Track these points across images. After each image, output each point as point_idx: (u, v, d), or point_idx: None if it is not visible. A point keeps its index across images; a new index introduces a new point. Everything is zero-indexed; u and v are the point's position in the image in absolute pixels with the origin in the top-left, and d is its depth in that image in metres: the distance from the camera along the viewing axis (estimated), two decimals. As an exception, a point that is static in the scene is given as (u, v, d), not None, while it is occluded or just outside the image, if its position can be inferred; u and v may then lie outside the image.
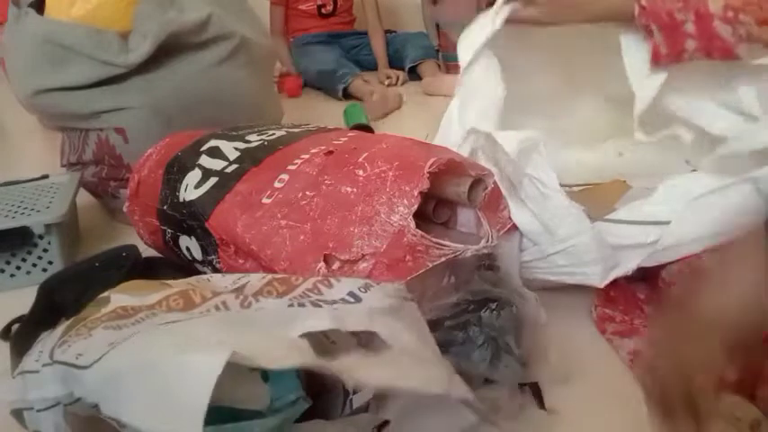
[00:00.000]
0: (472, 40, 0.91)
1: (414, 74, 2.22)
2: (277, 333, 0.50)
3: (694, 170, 0.84)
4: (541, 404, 0.61)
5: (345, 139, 0.82)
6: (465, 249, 0.69)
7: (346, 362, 0.48)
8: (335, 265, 0.68)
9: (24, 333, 0.74)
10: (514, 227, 0.77)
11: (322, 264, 0.67)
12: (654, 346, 0.51)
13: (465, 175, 0.74)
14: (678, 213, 0.75)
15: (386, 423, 0.55)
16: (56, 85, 1.05)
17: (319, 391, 0.58)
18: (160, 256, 0.92)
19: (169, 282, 0.63)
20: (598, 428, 0.64)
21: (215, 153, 0.85)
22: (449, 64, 2.20)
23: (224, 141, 0.87)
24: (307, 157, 0.78)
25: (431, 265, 0.67)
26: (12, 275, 0.94)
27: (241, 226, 0.73)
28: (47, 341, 0.56)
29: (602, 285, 0.75)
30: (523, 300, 0.66)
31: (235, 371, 0.49)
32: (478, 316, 0.62)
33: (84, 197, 1.15)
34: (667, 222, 0.75)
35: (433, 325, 0.62)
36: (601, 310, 0.78)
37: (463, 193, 0.73)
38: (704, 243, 0.73)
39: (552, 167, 0.75)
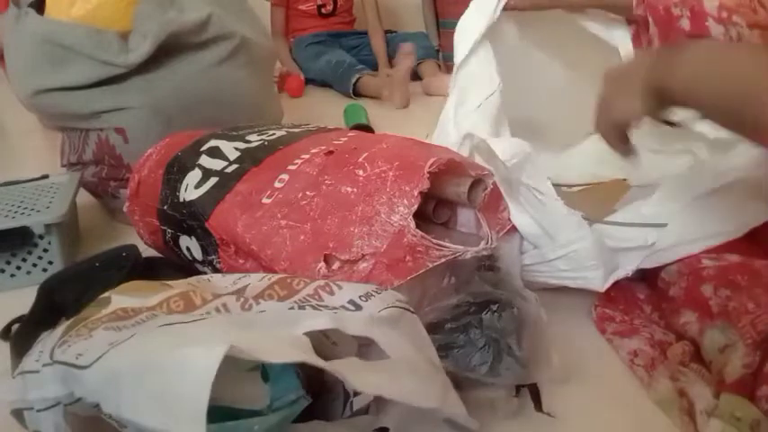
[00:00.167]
0: (470, 30, 0.91)
1: (414, 74, 2.22)
2: (277, 331, 0.50)
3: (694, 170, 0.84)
4: (539, 406, 0.61)
5: (345, 139, 0.82)
6: (465, 251, 0.69)
7: (345, 363, 0.48)
8: (335, 265, 0.68)
9: (24, 333, 0.74)
10: (514, 228, 0.77)
11: (322, 264, 0.67)
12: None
13: (465, 176, 0.74)
14: (677, 214, 0.75)
15: (385, 430, 0.55)
16: (56, 85, 1.05)
17: (320, 393, 0.58)
18: (160, 256, 0.92)
19: (170, 283, 0.63)
20: (598, 429, 0.64)
21: (215, 153, 0.85)
22: (449, 64, 2.20)
23: (224, 141, 0.87)
24: (307, 157, 0.78)
25: (431, 266, 0.67)
26: (12, 275, 0.94)
27: (241, 226, 0.73)
28: (47, 341, 0.56)
29: (603, 289, 0.75)
30: (524, 300, 0.66)
31: (234, 370, 0.49)
32: (479, 318, 0.62)
33: (85, 197, 1.15)
34: (666, 224, 0.75)
35: (434, 327, 0.62)
36: (601, 310, 0.78)
37: (463, 193, 0.73)
38: (703, 243, 0.73)
39: (551, 169, 0.76)
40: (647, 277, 0.80)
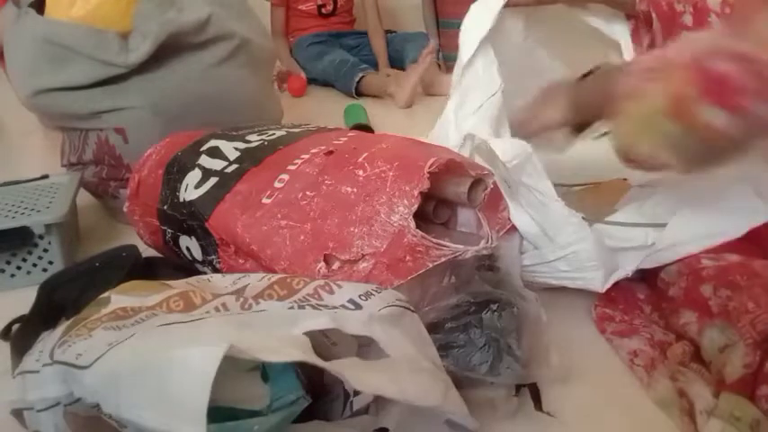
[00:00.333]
0: (474, 30, 0.91)
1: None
2: (277, 331, 0.50)
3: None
4: (539, 406, 0.61)
5: (345, 139, 0.82)
6: (465, 250, 0.69)
7: (345, 363, 0.48)
8: (335, 265, 0.68)
9: (24, 333, 0.74)
10: (514, 227, 0.77)
11: (322, 264, 0.67)
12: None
13: (465, 176, 0.74)
14: (677, 214, 0.75)
15: (385, 430, 0.55)
16: (56, 85, 1.05)
17: (320, 393, 0.58)
18: (160, 256, 0.92)
19: (169, 282, 0.63)
20: (597, 429, 0.64)
21: (215, 153, 0.85)
22: (449, 64, 2.20)
23: (224, 141, 0.87)
24: (307, 157, 0.78)
25: (431, 266, 0.67)
26: (12, 275, 0.94)
27: (241, 226, 0.73)
28: (47, 341, 0.56)
29: (603, 290, 0.75)
30: (524, 300, 0.66)
31: (234, 370, 0.49)
32: (479, 317, 0.62)
33: (85, 197, 1.15)
34: (665, 224, 0.75)
35: (434, 327, 0.62)
36: (601, 309, 0.78)
37: (463, 193, 0.73)
38: (703, 244, 0.73)
39: (551, 169, 0.75)
40: (646, 277, 0.80)
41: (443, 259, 0.68)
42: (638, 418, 0.64)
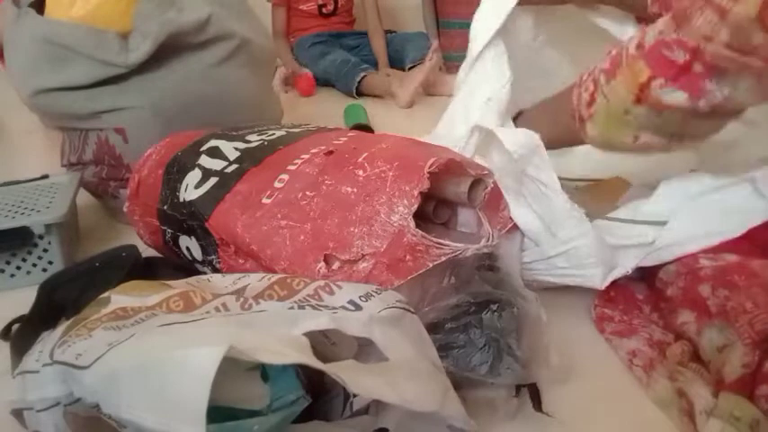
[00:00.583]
0: (485, 25, 0.90)
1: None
2: (277, 331, 0.50)
3: (694, 170, 0.84)
4: (539, 406, 0.61)
5: (345, 139, 0.82)
6: (465, 249, 0.69)
7: (344, 366, 0.48)
8: (335, 265, 0.68)
9: (24, 333, 0.74)
10: (515, 227, 0.77)
11: (322, 264, 0.68)
12: None
13: (465, 175, 0.74)
14: (677, 212, 0.75)
15: (385, 430, 0.55)
16: (56, 85, 1.05)
17: (320, 393, 0.58)
18: (160, 256, 0.92)
19: (169, 282, 0.63)
20: (597, 429, 0.64)
21: (215, 153, 0.85)
22: (449, 64, 2.20)
23: (224, 141, 0.87)
24: (307, 157, 0.78)
25: (431, 265, 0.67)
26: (12, 275, 0.94)
27: (241, 226, 0.73)
28: (47, 341, 0.56)
29: (602, 287, 0.75)
30: (524, 300, 0.66)
31: (234, 370, 0.49)
32: (479, 317, 0.62)
33: (85, 197, 1.15)
34: (665, 222, 0.75)
35: (434, 327, 0.62)
36: (600, 309, 0.78)
37: (463, 193, 0.73)
38: (702, 243, 0.73)
39: (553, 164, 0.75)
40: (645, 277, 0.80)
41: (443, 258, 0.68)
42: (637, 418, 0.64)
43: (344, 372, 0.47)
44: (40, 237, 0.93)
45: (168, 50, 1.06)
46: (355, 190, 0.70)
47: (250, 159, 0.81)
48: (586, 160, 1.09)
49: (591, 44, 1.01)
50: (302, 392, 0.54)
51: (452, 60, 2.17)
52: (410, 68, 2.17)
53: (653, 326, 0.75)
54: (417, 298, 0.65)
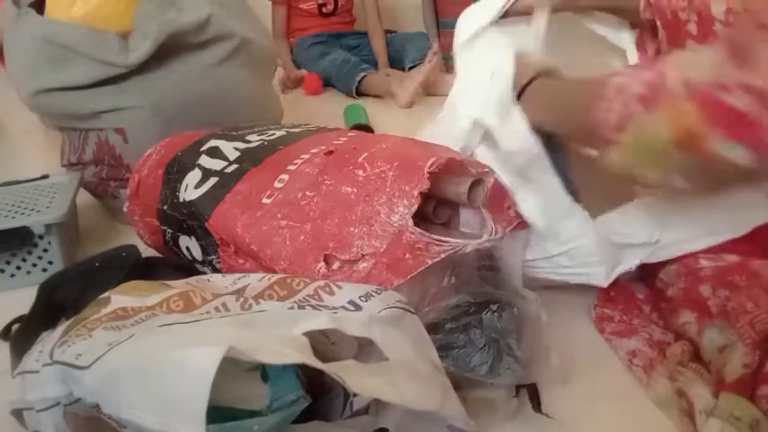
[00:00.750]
0: (473, 18, 0.90)
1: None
2: (277, 331, 0.50)
3: None
4: (538, 407, 0.61)
5: (345, 138, 0.82)
6: (465, 244, 0.69)
7: (343, 366, 0.48)
8: (335, 265, 0.68)
9: (24, 333, 0.74)
10: (520, 225, 0.77)
11: (322, 264, 0.68)
12: None
13: (465, 175, 0.74)
14: (681, 211, 0.74)
15: (385, 430, 0.55)
16: (56, 85, 1.05)
17: (320, 393, 0.58)
18: (160, 256, 0.92)
19: (169, 282, 0.63)
20: (597, 429, 0.64)
21: (215, 153, 0.85)
22: (449, 64, 2.20)
23: (224, 141, 0.87)
24: (307, 157, 0.78)
25: (430, 263, 0.67)
26: (12, 275, 0.94)
27: (241, 226, 0.73)
28: (47, 341, 0.56)
29: (605, 285, 0.75)
30: (524, 300, 0.66)
31: (234, 370, 0.49)
32: (479, 317, 0.62)
33: (85, 197, 1.15)
34: (668, 221, 0.74)
35: (434, 327, 0.62)
36: (600, 309, 0.78)
37: (463, 193, 0.73)
38: (706, 241, 0.73)
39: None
40: (645, 277, 0.80)
41: (443, 255, 0.67)
42: (637, 419, 0.64)
43: (344, 372, 0.47)
44: (40, 237, 0.93)
45: (168, 50, 1.06)
46: (355, 190, 0.70)
47: (250, 159, 0.81)
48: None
49: (587, 51, 1.01)
50: (302, 392, 0.54)
51: (452, 60, 2.17)
52: (410, 68, 2.17)
53: (653, 326, 0.75)
54: (417, 298, 0.65)
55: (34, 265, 0.95)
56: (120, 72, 1.04)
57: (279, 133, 0.88)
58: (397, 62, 2.29)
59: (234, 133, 0.90)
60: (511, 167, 0.77)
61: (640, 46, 0.91)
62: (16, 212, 0.94)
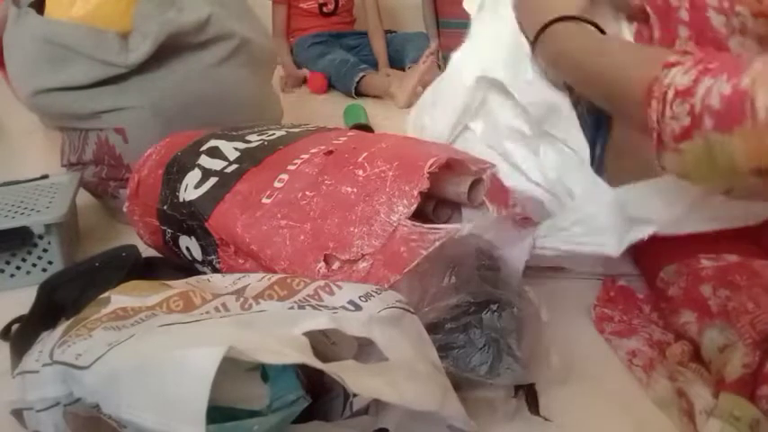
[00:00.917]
0: None
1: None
2: (277, 331, 0.50)
3: None
4: (536, 410, 0.61)
5: (345, 138, 0.82)
6: (461, 229, 0.68)
7: (343, 366, 0.48)
8: (335, 265, 0.68)
9: (24, 333, 0.74)
10: (523, 222, 0.77)
11: (322, 264, 0.68)
12: None
13: (465, 174, 0.74)
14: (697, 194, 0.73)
15: (385, 431, 0.55)
16: (56, 85, 1.05)
17: (320, 393, 0.58)
18: (160, 256, 0.92)
19: (169, 282, 0.63)
20: (596, 429, 0.64)
21: (215, 153, 0.85)
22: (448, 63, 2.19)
23: (224, 141, 0.87)
24: (306, 156, 0.78)
25: (425, 253, 0.66)
26: (12, 275, 0.94)
27: (241, 226, 0.73)
28: (47, 341, 0.56)
29: (617, 254, 0.73)
30: (524, 300, 0.66)
31: (234, 370, 0.49)
32: (479, 317, 0.62)
33: (85, 197, 1.15)
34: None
35: (434, 327, 0.62)
36: (600, 310, 0.78)
37: (463, 193, 0.73)
38: (721, 224, 0.71)
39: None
40: (645, 277, 0.80)
41: (438, 243, 0.67)
42: (637, 419, 0.64)
43: (344, 372, 0.47)
44: (40, 237, 0.93)
45: (168, 50, 1.06)
46: (355, 190, 0.70)
47: (250, 159, 0.81)
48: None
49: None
50: (302, 392, 0.54)
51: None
52: (409, 68, 2.17)
53: (653, 326, 0.75)
54: (417, 298, 0.65)
55: (34, 265, 0.95)
56: (120, 72, 1.04)
57: (279, 133, 0.88)
58: (397, 62, 2.29)
59: (234, 133, 0.90)
60: (525, 121, 0.75)
61: (639, 39, 0.90)
62: (16, 212, 0.94)
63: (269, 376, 0.52)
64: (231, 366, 0.45)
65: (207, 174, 0.81)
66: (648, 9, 0.80)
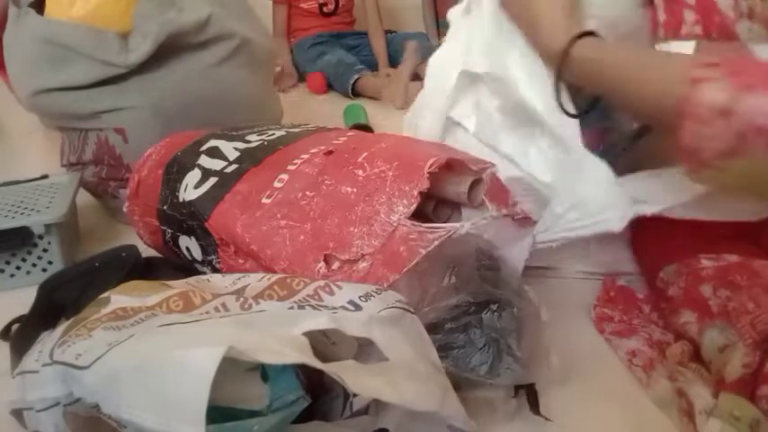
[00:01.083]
0: None
1: (414, 74, 2.21)
2: (277, 331, 0.50)
3: None
4: (536, 409, 0.61)
5: (345, 138, 0.82)
6: (460, 227, 0.68)
7: (343, 366, 0.48)
8: (335, 265, 0.68)
9: (24, 333, 0.74)
10: (523, 221, 0.77)
11: (322, 264, 0.67)
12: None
13: (465, 174, 0.74)
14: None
15: (385, 431, 0.55)
16: (56, 85, 1.05)
17: (319, 393, 0.58)
18: (160, 256, 0.92)
19: (169, 283, 0.63)
20: (596, 429, 0.64)
21: (214, 153, 0.85)
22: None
23: (224, 141, 0.87)
24: (306, 156, 0.78)
25: (424, 252, 0.66)
26: (12, 275, 0.94)
27: (241, 226, 0.73)
28: (47, 341, 0.56)
29: (620, 230, 0.73)
30: (524, 300, 0.66)
31: (234, 370, 0.49)
32: (479, 317, 0.62)
33: (85, 197, 1.15)
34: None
35: (434, 327, 0.62)
36: (600, 310, 0.78)
37: (463, 193, 0.73)
38: (725, 216, 0.71)
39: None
40: (645, 277, 0.80)
41: (438, 242, 0.66)
42: (637, 419, 0.64)
43: (344, 372, 0.47)
44: (40, 237, 0.93)
45: (168, 50, 1.06)
46: (355, 190, 0.70)
47: (250, 159, 0.81)
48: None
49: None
50: (302, 392, 0.54)
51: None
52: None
53: (652, 326, 0.75)
54: (417, 298, 0.65)
55: (34, 265, 0.95)
56: (120, 72, 1.04)
57: (279, 133, 0.88)
58: (397, 62, 2.29)
59: (234, 133, 0.90)
60: (518, 115, 0.75)
61: (653, 26, 0.89)
62: (16, 212, 0.94)
63: (269, 376, 0.53)
64: (231, 366, 0.45)
65: (207, 174, 0.81)
66: None
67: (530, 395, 0.62)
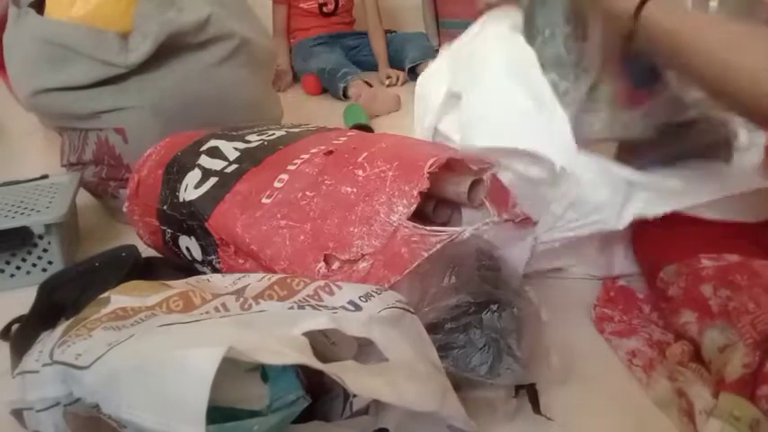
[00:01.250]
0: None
1: (414, 74, 2.21)
2: (277, 331, 0.50)
3: None
4: (537, 409, 0.61)
5: (345, 138, 0.82)
6: (462, 231, 0.68)
7: (343, 366, 0.48)
8: (335, 265, 0.68)
9: (24, 333, 0.74)
10: (523, 222, 0.77)
11: (322, 264, 0.67)
12: None
13: (465, 174, 0.74)
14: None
15: (385, 431, 0.55)
16: (56, 85, 1.05)
17: (320, 393, 0.58)
18: (160, 256, 0.92)
19: (169, 283, 0.63)
20: (596, 429, 0.64)
21: (215, 153, 0.85)
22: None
23: (224, 141, 0.87)
24: (306, 157, 0.78)
25: (426, 254, 0.66)
26: (12, 275, 0.94)
27: (241, 226, 0.73)
28: (47, 341, 0.56)
29: (621, 227, 0.73)
30: (524, 300, 0.66)
31: (234, 370, 0.49)
32: (479, 318, 0.62)
33: (85, 197, 1.15)
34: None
35: (434, 327, 0.62)
36: (600, 309, 0.78)
37: (463, 193, 0.73)
38: (726, 216, 0.72)
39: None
40: (646, 277, 0.80)
41: (440, 245, 0.67)
42: (637, 419, 0.64)
43: (344, 372, 0.47)
44: (40, 237, 0.93)
45: (168, 50, 1.06)
46: (355, 190, 0.70)
47: (250, 159, 0.81)
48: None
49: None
50: (302, 392, 0.54)
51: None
52: (409, 69, 2.17)
53: (652, 326, 0.75)
54: (417, 298, 0.65)
55: (34, 265, 0.95)
56: (120, 72, 1.04)
57: (279, 133, 0.88)
58: (397, 62, 2.29)
59: (234, 133, 0.90)
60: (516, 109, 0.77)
61: None
62: (16, 212, 0.94)
63: (269, 376, 0.52)
64: (231, 366, 0.45)
65: (207, 174, 0.81)
66: None
67: (530, 395, 0.62)
